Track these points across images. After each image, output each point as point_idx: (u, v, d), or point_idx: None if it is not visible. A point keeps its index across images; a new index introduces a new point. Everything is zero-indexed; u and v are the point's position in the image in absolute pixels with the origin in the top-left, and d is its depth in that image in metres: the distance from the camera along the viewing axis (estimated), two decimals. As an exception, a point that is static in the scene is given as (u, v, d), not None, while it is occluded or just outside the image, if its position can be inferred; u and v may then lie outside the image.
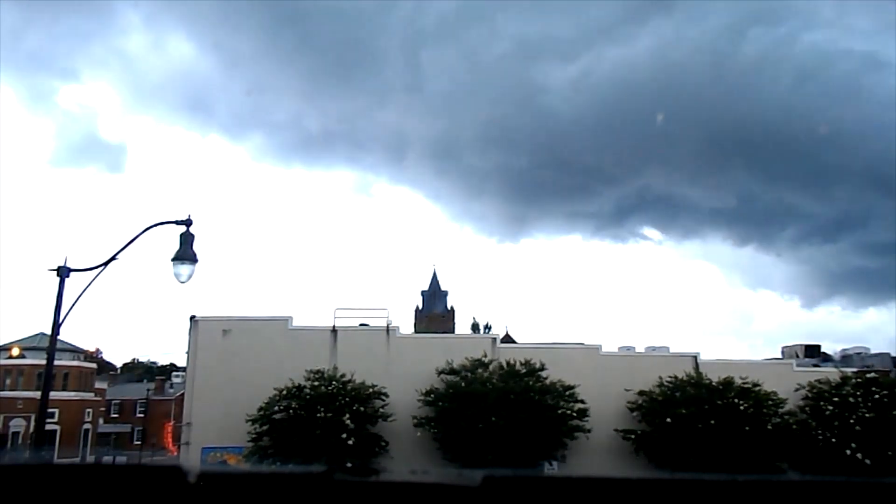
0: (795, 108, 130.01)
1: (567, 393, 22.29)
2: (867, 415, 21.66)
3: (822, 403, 22.76)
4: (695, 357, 25.37)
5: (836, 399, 22.62)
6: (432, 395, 22.21)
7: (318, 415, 20.68)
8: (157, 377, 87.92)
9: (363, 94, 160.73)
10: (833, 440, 21.40)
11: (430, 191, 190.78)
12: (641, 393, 23.56)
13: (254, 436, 21.00)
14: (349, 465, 19.64)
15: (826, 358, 61.71)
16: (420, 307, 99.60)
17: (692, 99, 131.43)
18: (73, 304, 10.23)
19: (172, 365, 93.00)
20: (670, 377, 23.56)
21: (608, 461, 22.15)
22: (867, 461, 20.50)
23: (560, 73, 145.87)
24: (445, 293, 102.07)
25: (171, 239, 10.99)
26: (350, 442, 20.39)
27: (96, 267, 10.47)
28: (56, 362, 14.62)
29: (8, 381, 57.55)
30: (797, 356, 54.16)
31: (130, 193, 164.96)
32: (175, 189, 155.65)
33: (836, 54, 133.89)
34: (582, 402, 22.26)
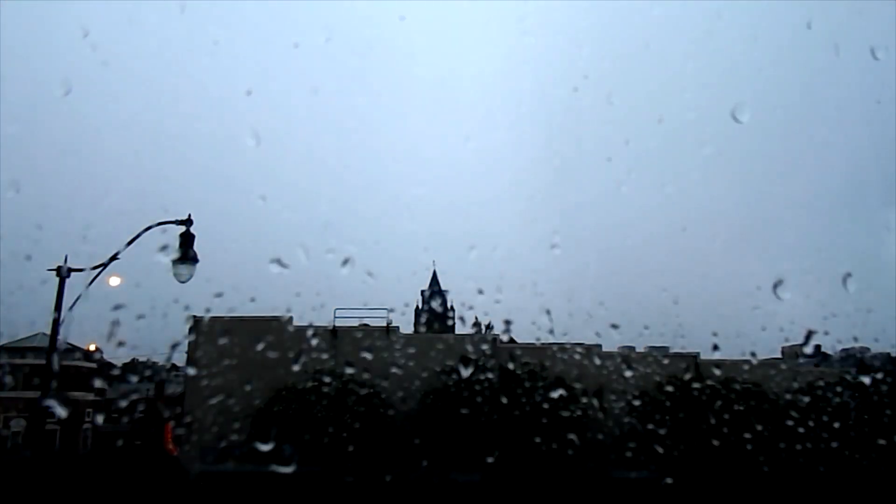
0: None
1: (567, 393, 22.30)
2: (867, 415, 21.67)
3: (822, 404, 22.76)
4: (695, 357, 25.38)
5: (836, 399, 22.64)
6: (432, 396, 22.21)
7: (319, 415, 20.69)
8: (157, 377, 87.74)
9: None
10: (833, 440, 21.40)
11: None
12: (641, 393, 23.58)
13: (253, 436, 20.99)
14: (349, 465, 19.66)
15: (826, 358, 61.63)
16: (420, 307, 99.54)
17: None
18: (73, 304, 10.26)
19: (172, 365, 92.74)
20: (670, 377, 23.57)
21: (608, 461, 22.13)
22: (866, 461, 20.50)
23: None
24: (446, 293, 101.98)
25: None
26: (350, 442, 20.40)
27: (96, 267, 10.48)
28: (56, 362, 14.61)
29: (8, 381, 57.53)
30: (797, 356, 54.06)
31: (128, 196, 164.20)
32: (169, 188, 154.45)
33: None
34: (582, 401, 22.27)
